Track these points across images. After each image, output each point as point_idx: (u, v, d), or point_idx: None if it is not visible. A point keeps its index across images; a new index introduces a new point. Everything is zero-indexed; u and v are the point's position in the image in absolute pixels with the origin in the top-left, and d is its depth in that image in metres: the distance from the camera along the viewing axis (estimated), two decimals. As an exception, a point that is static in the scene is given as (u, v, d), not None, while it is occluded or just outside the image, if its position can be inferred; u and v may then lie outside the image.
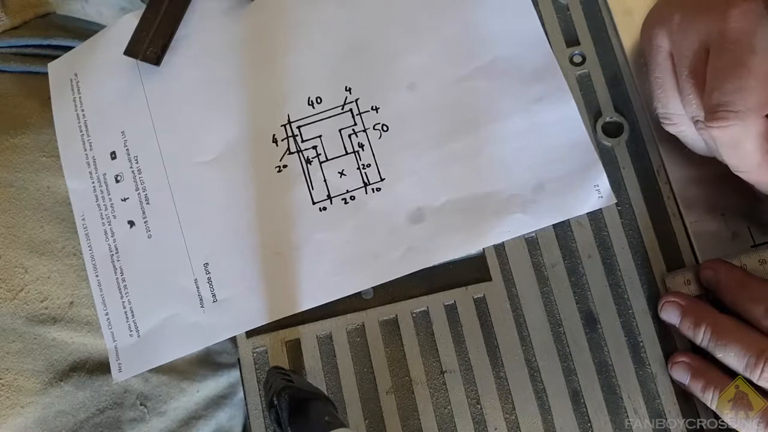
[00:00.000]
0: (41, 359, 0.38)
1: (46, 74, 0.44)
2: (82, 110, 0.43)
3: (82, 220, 0.41)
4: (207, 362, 0.43)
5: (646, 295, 0.37)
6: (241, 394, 0.43)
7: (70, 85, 0.43)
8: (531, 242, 0.39)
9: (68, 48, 0.46)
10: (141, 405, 0.41)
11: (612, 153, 0.40)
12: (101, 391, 0.40)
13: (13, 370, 0.38)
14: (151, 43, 0.41)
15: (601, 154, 0.39)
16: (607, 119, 0.40)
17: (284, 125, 0.41)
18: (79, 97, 0.43)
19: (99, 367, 0.40)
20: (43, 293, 0.40)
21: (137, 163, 0.41)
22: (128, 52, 0.41)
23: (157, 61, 0.41)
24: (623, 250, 0.38)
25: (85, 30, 0.47)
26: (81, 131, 0.42)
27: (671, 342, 0.36)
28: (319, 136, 0.40)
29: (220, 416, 0.43)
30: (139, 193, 0.41)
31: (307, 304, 0.38)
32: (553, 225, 0.38)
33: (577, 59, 0.41)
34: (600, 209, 0.38)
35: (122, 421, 0.40)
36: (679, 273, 0.36)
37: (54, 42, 0.45)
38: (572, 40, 0.42)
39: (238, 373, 0.40)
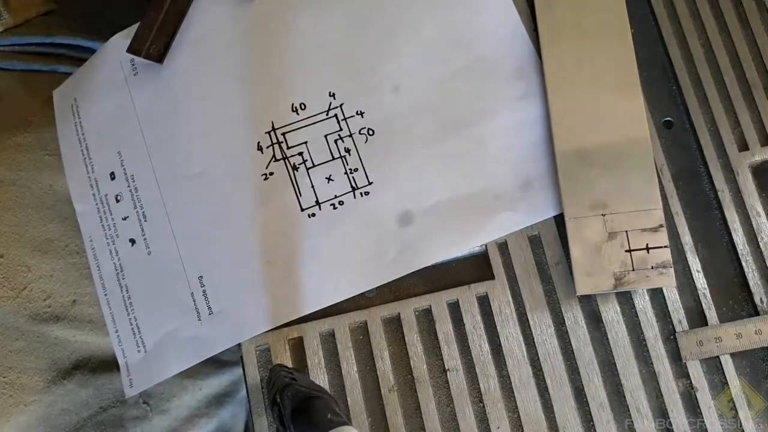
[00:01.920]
0: (44, 357, 0.39)
1: (48, 73, 0.45)
2: (83, 134, 0.43)
3: (90, 241, 0.42)
4: (209, 360, 0.43)
5: (649, 293, 0.37)
6: (244, 392, 0.43)
7: (71, 110, 0.44)
8: (533, 240, 0.39)
9: (71, 46, 0.46)
10: (144, 403, 0.41)
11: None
12: (104, 389, 0.40)
13: (17, 368, 0.38)
14: (154, 41, 0.41)
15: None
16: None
17: (268, 132, 0.40)
18: (80, 122, 0.43)
19: (102, 365, 0.40)
20: (46, 291, 0.40)
21: (134, 181, 0.41)
22: (131, 50, 0.41)
23: (160, 58, 0.41)
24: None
25: (87, 28, 0.47)
26: (83, 155, 0.43)
27: (674, 341, 0.36)
28: (305, 143, 0.40)
29: (223, 414, 0.43)
30: (137, 211, 0.41)
31: (300, 311, 0.38)
32: (555, 223, 0.38)
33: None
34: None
35: (125, 419, 0.40)
36: (692, 333, 0.36)
37: (56, 40, 0.46)
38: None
39: (241, 371, 0.40)
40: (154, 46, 0.41)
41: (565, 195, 0.38)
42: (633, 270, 0.36)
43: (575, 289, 0.36)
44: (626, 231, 0.37)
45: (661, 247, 0.36)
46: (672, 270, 0.36)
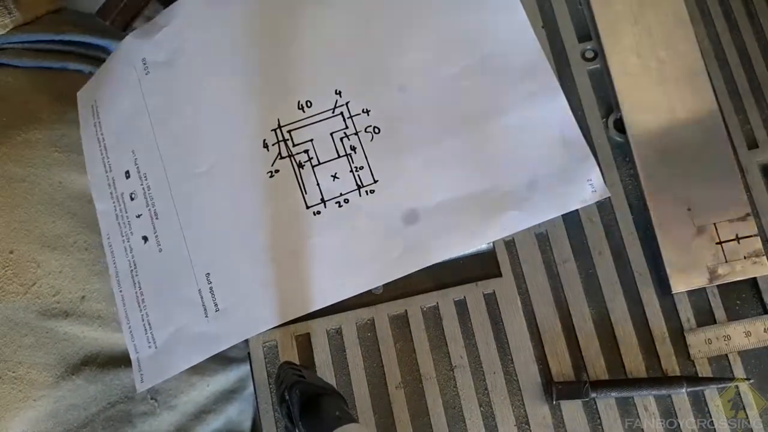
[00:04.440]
0: (53, 353, 0.39)
1: (58, 70, 0.45)
2: (102, 134, 0.43)
3: (108, 239, 0.42)
4: (217, 356, 0.43)
5: (657, 293, 0.37)
6: (251, 388, 0.43)
7: (92, 111, 0.44)
8: (541, 238, 0.38)
9: (80, 43, 0.46)
10: (152, 399, 0.41)
11: (624, 148, 0.40)
12: (112, 385, 0.40)
13: (26, 363, 0.38)
14: (122, 11, 0.42)
15: (612, 149, 0.39)
16: (619, 115, 0.40)
17: (274, 130, 0.40)
18: (99, 122, 0.44)
19: (110, 361, 0.41)
20: (55, 287, 0.40)
21: (146, 180, 0.42)
22: (99, 13, 0.42)
23: (123, 27, 0.42)
24: (634, 247, 0.38)
25: (96, 25, 0.48)
26: (102, 154, 0.43)
27: (682, 340, 0.36)
28: (311, 140, 0.40)
29: (230, 410, 0.44)
30: (149, 209, 0.41)
31: (307, 308, 0.38)
32: (563, 221, 0.38)
33: (589, 54, 0.41)
34: (611, 205, 0.38)
35: (133, 415, 0.40)
36: (701, 331, 0.36)
37: (66, 37, 0.46)
38: (584, 36, 0.42)
39: (248, 367, 0.40)
40: (120, 17, 0.42)
41: (648, 196, 0.37)
42: (726, 262, 0.36)
43: (671, 288, 0.36)
44: (714, 223, 0.36)
45: (751, 236, 0.36)
46: (765, 258, 0.36)
